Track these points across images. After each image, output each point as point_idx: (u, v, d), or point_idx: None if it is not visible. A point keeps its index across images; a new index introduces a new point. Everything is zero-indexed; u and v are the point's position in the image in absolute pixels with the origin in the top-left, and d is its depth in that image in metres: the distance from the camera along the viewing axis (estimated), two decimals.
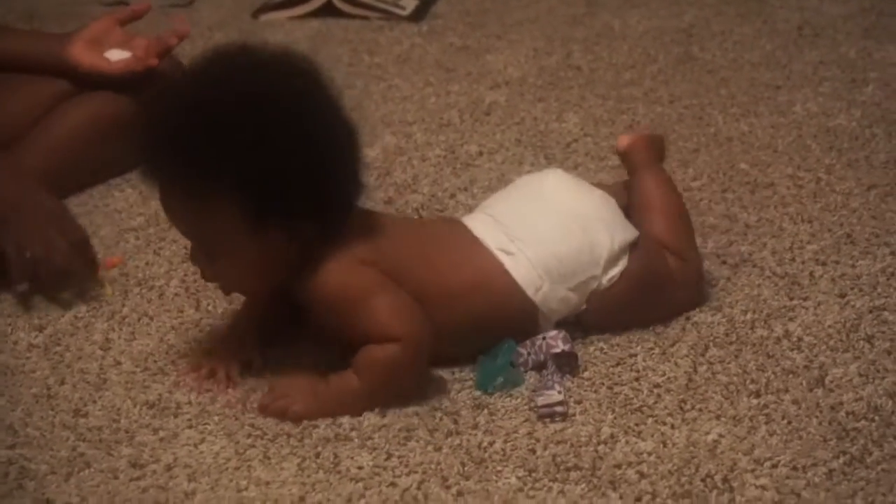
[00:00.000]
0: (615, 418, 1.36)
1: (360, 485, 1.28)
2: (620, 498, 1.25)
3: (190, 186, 1.35)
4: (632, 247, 1.49)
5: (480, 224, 1.49)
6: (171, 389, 1.44)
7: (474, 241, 1.46)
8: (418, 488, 1.27)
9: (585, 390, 1.41)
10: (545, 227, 1.47)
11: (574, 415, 1.37)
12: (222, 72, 1.38)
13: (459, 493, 1.26)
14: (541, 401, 1.37)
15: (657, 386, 1.42)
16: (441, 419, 1.38)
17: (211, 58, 1.40)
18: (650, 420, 1.36)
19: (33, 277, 1.58)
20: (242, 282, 1.44)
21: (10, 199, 1.59)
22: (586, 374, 1.44)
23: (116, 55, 1.86)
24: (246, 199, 1.34)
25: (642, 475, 1.28)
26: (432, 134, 2.06)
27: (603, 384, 1.42)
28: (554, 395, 1.37)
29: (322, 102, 1.39)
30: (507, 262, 1.44)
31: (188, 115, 1.35)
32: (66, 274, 1.59)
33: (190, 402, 1.41)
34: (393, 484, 1.28)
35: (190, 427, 1.38)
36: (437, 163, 1.96)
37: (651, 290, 1.50)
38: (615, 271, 1.47)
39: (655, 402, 1.39)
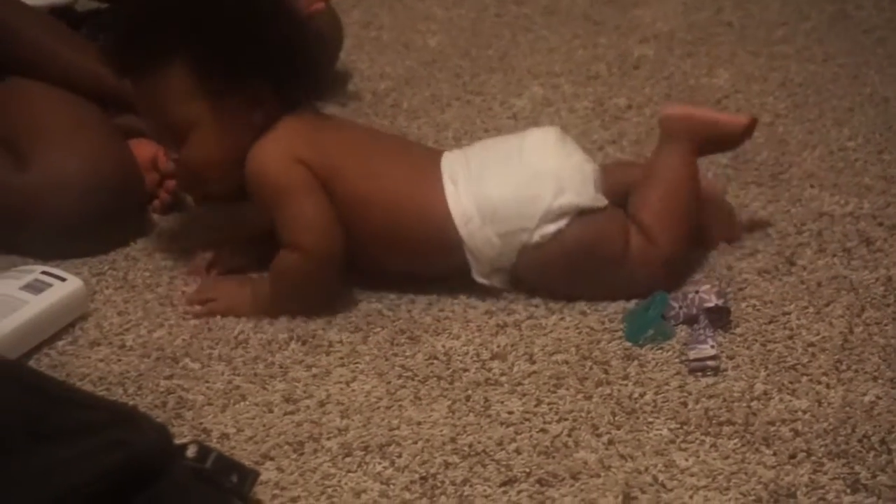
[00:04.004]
0: (768, 375, 1.35)
1: (511, 429, 1.28)
2: (774, 454, 1.23)
3: (145, 64, 1.43)
4: (584, 212, 1.43)
5: (452, 155, 1.50)
6: (324, 327, 1.46)
7: (434, 165, 1.47)
8: (569, 435, 1.27)
9: (738, 346, 1.40)
10: (497, 169, 1.45)
11: (726, 370, 1.36)
12: None
13: (610, 442, 1.26)
14: (693, 354, 1.36)
15: (811, 345, 1.39)
16: (591, 368, 1.37)
17: None
18: (804, 378, 1.34)
19: None
20: (214, 164, 1.46)
21: None
22: (738, 330, 1.42)
23: None
24: (195, 61, 1.41)
25: (797, 433, 1.26)
26: (580, 86, 2.05)
27: (756, 341, 1.40)
28: (706, 349, 1.36)
29: None
30: (448, 189, 1.45)
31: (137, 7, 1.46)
32: None
33: (342, 341, 1.43)
34: (543, 430, 1.28)
35: (342, 365, 1.40)
36: (584, 115, 1.95)
37: (586, 262, 1.44)
38: (548, 229, 1.43)
39: (810, 361, 1.37)
